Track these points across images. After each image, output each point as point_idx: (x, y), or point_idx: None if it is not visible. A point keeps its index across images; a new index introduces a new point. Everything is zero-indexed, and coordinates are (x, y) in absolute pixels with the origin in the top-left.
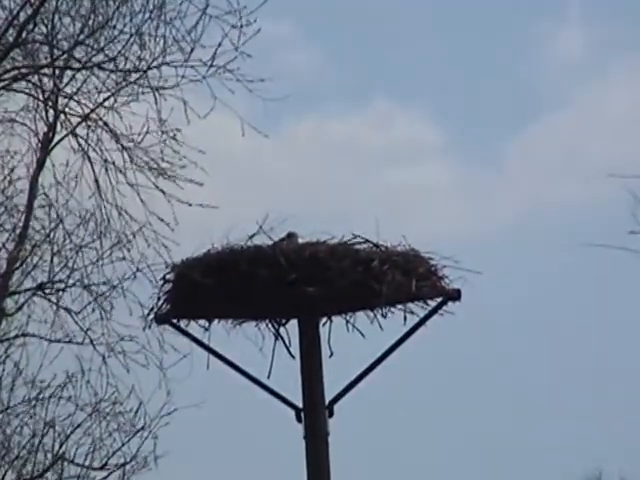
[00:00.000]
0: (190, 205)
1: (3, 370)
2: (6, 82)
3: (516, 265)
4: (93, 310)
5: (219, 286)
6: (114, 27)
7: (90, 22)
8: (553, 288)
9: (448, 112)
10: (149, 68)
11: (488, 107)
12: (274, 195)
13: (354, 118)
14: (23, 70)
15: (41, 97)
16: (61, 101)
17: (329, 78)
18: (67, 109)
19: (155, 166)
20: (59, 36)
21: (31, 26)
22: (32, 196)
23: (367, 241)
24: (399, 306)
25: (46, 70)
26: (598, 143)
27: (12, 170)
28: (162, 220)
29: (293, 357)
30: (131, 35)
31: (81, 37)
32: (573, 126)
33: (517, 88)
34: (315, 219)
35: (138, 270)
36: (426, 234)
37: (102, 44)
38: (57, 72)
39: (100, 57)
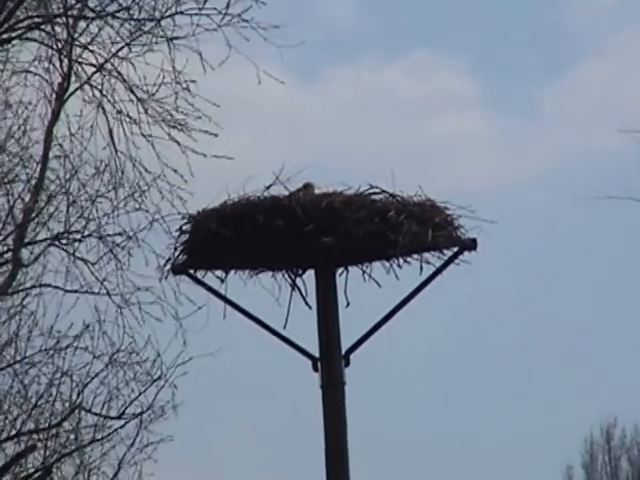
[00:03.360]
0: (205, 156)
1: (20, 320)
2: (20, 32)
3: (545, 215)
4: (109, 260)
5: (235, 237)
6: None
7: None
8: (578, 239)
9: (485, 63)
10: (163, 17)
11: (524, 58)
12: (309, 144)
13: (391, 69)
14: (37, 20)
15: (55, 47)
16: (75, 51)
17: (367, 28)
18: (81, 59)
19: (169, 117)
20: None
21: None
22: (47, 147)
23: (383, 192)
24: (415, 256)
25: (60, 20)
26: (633, 92)
27: (26, 121)
28: (176, 171)
29: (310, 307)
30: None
31: None
32: (607, 75)
33: (552, 38)
34: (350, 168)
35: (154, 220)
36: (461, 183)
37: None
38: (71, 21)
39: (114, 6)
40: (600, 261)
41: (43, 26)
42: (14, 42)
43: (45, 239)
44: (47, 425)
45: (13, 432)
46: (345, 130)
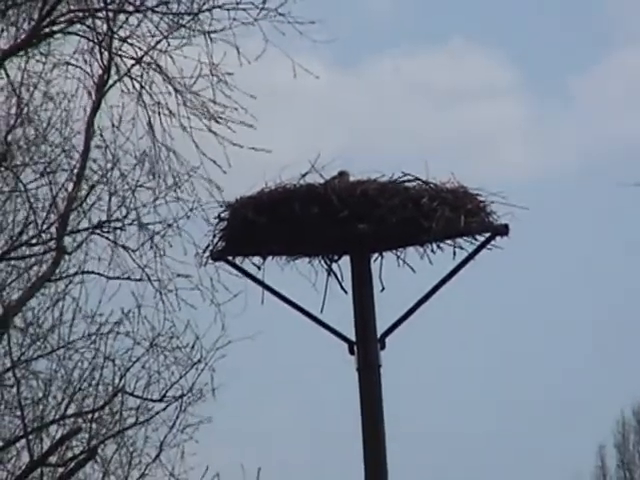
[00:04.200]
0: (241, 147)
1: (63, 306)
2: (62, 26)
3: (580, 202)
4: (150, 248)
5: (272, 224)
6: None
7: None
8: (610, 225)
9: (521, 51)
10: (200, 11)
11: (560, 46)
12: (343, 132)
13: (426, 57)
14: (78, 14)
15: (95, 40)
16: (115, 44)
17: (403, 17)
18: (121, 52)
19: (207, 109)
20: None
21: None
22: (88, 137)
23: (417, 179)
24: (448, 241)
25: (100, 13)
26: None
27: (68, 112)
28: (215, 162)
29: (345, 292)
30: None
31: None
32: None
33: (589, 25)
34: (384, 156)
35: (193, 209)
36: (495, 171)
37: None
38: (111, 15)
39: (153, 0)
40: (633, 246)
41: (84, 20)
42: (56, 35)
43: (87, 227)
44: (91, 408)
45: (58, 416)
46: (379, 118)
